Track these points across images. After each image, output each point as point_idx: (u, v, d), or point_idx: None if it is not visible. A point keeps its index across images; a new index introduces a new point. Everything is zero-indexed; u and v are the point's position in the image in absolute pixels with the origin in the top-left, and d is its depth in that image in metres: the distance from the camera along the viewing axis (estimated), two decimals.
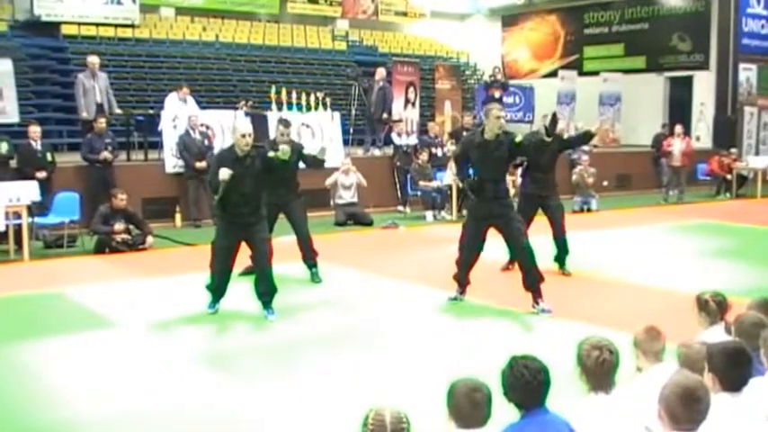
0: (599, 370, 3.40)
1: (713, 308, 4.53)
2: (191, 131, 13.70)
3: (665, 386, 2.98)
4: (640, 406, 3.24)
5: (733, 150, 19.33)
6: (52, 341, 6.90)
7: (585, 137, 9.88)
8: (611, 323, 6.34)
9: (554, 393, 3.26)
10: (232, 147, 7.67)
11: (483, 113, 8.33)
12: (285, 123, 9.38)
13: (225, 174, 7.31)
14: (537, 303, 7.77)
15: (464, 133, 16.66)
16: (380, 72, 17.09)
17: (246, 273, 8.53)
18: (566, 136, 10.26)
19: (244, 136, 7.47)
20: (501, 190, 7.98)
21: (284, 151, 7.64)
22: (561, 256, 9.67)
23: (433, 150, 15.71)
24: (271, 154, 7.66)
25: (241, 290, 8.01)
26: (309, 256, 9.38)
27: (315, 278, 9.35)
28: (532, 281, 7.82)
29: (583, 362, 3.44)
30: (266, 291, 7.72)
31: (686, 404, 2.89)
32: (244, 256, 8.02)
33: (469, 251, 8.09)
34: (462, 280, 8.19)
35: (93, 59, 14.03)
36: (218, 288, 7.79)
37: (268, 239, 7.90)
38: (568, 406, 3.38)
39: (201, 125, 13.87)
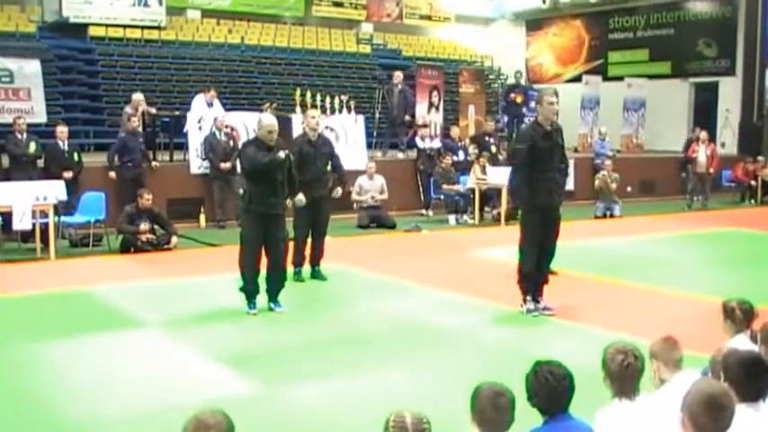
0: (623, 374, 3.40)
1: (739, 316, 4.50)
2: (216, 133, 13.81)
3: (688, 393, 2.96)
4: (666, 413, 3.23)
5: (760, 158, 19.15)
6: (77, 340, 6.98)
7: None
8: (633, 331, 6.31)
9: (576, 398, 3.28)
10: (257, 139, 7.91)
11: (535, 101, 8.00)
12: (313, 106, 9.84)
13: (282, 154, 7.62)
14: (523, 303, 7.83)
15: (486, 138, 16.77)
16: (398, 75, 17.28)
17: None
18: None
19: (270, 132, 7.74)
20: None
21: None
22: None
23: (454, 156, 15.70)
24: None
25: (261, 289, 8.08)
26: (318, 255, 9.52)
27: (319, 276, 9.46)
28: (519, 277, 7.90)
29: (607, 366, 3.45)
30: (277, 287, 7.96)
31: (710, 412, 2.87)
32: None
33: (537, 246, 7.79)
34: (533, 286, 7.86)
35: (139, 96, 14.32)
36: (251, 285, 7.85)
37: (285, 240, 8.09)
38: (589, 411, 3.39)
39: (226, 126, 13.98)
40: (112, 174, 12.89)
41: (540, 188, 7.69)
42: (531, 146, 7.65)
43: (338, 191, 9.70)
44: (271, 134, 7.72)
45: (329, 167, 9.62)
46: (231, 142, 13.86)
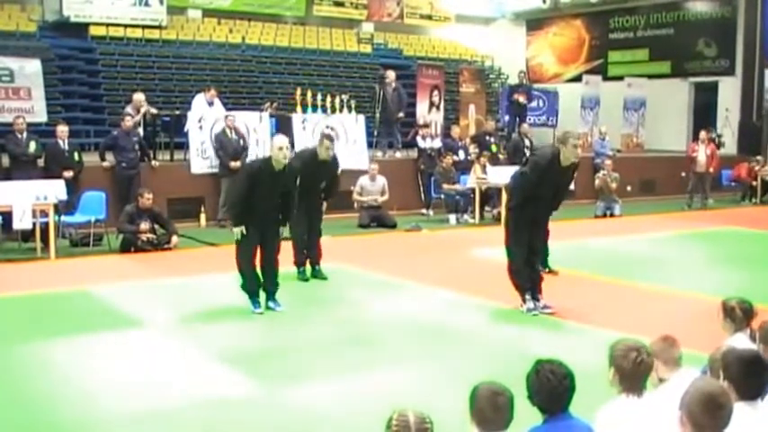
0: (636, 371, 3.39)
1: (739, 315, 4.50)
2: (227, 131, 13.81)
3: (687, 392, 2.96)
4: (665, 412, 3.23)
5: (759, 158, 19.13)
6: (78, 339, 6.98)
7: None
8: (633, 330, 6.29)
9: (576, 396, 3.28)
10: (269, 159, 7.94)
11: (560, 140, 7.95)
12: (330, 138, 9.87)
13: (237, 233, 7.79)
14: (522, 303, 7.86)
15: (487, 137, 16.78)
16: (390, 74, 17.42)
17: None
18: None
19: (281, 149, 7.80)
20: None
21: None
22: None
23: (454, 155, 15.70)
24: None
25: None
26: (316, 255, 9.59)
27: (320, 275, 9.51)
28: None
29: (618, 363, 3.42)
30: (272, 287, 8.01)
31: (709, 410, 2.88)
32: None
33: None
34: (529, 283, 7.96)
35: (140, 96, 14.29)
36: (251, 283, 7.91)
37: (278, 241, 8.16)
38: (589, 411, 3.39)
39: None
40: (105, 163, 13.00)
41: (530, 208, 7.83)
42: (541, 178, 7.65)
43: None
44: (281, 150, 7.78)
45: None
46: (241, 141, 13.88)
